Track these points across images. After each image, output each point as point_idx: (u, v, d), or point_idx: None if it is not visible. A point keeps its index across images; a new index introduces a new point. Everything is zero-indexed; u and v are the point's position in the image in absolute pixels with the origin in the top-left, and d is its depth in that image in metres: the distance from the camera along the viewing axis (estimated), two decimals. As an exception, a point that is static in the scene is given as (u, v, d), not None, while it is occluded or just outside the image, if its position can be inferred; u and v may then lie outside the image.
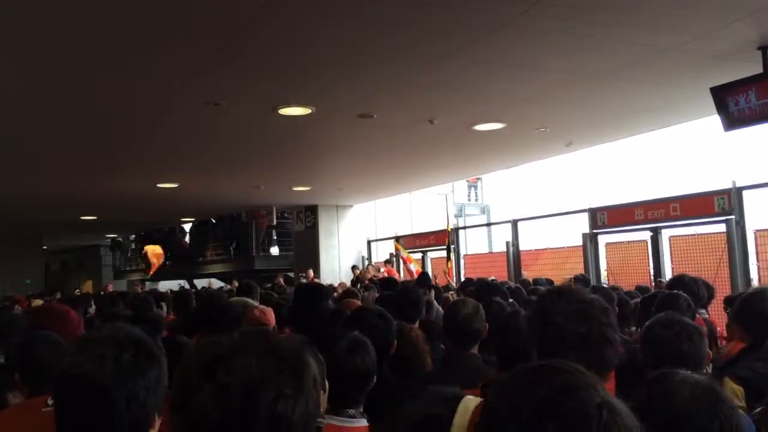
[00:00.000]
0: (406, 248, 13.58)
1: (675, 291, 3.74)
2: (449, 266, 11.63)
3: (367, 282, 9.98)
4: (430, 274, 11.63)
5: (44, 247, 23.03)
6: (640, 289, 5.60)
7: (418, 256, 13.77)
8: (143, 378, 1.39)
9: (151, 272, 21.82)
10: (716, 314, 5.62)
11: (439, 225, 13.99)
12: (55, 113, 6.61)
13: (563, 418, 0.83)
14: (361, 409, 2.17)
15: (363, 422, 2.13)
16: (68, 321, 3.04)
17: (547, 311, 1.78)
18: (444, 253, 12.27)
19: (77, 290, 19.40)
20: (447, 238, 11.98)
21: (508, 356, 2.49)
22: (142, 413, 1.38)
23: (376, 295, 6.39)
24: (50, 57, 4.94)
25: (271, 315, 4.07)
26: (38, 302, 9.73)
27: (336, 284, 11.39)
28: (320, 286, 4.81)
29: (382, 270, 12.84)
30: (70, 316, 3.10)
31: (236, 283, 10.36)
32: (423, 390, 1.44)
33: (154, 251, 21.68)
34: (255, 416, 0.98)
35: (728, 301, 4.78)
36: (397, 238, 14.48)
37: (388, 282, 7.49)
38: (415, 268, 12.59)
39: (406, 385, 2.73)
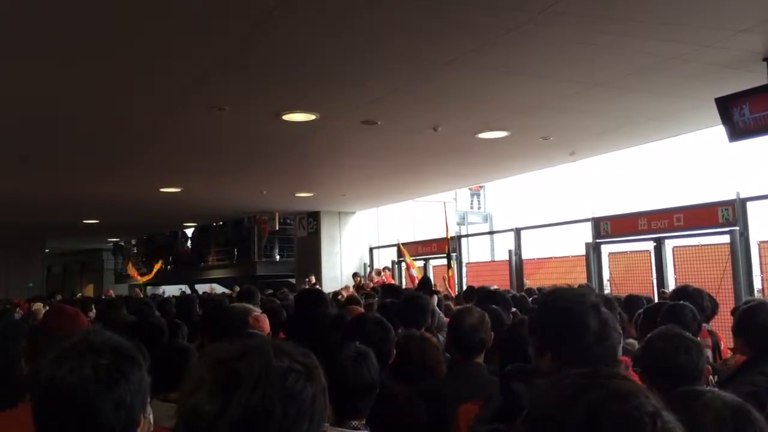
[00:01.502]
0: (408, 255, 13.55)
1: (681, 302, 3.71)
2: (450, 274, 11.59)
3: (368, 290, 9.94)
4: (432, 280, 11.58)
5: (46, 251, 23.03)
6: (632, 299, 5.48)
7: (420, 263, 13.74)
8: (127, 383, 1.38)
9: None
10: (718, 327, 5.57)
11: (441, 232, 13.97)
12: (58, 117, 6.61)
13: (615, 423, 0.80)
14: (365, 421, 2.14)
15: None
16: (78, 322, 3.05)
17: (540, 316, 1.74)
18: (445, 261, 12.25)
19: (79, 294, 19.41)
20: (447, 246, 11.95)
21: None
22: (129, 416, 1.38)
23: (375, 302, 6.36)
24: (53, 60, 4.94)
25: (265, 322, 4.03)
26: (38, 305, 9.69)
27: (339, 288, 11.36)
28: (319, 291, 4.79)
29: (376, 278, 12.80)
30: (80, 317, 3.12)
31: (237, 288, 10.34)
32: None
33: None
34: (264, 396, 0.99)
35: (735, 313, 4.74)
36: (400, 245, 14.45)
37: (391, 289, 7.45)
38: (416, 274, 12.55)
39: (409, 393, 2.71)
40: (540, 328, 1.80)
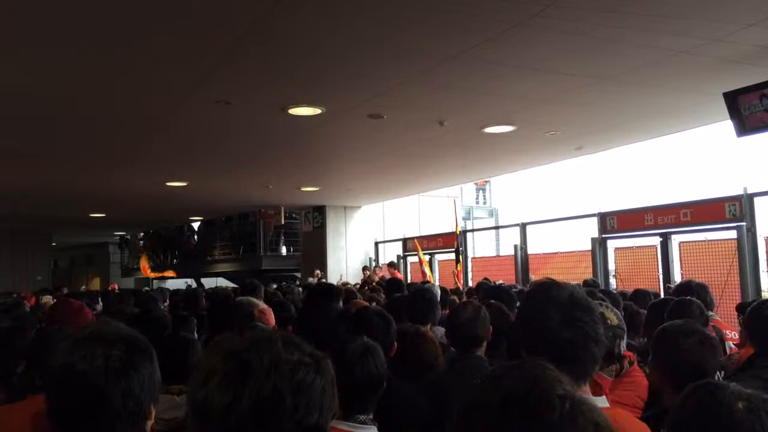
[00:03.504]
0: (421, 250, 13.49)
1: (687, 297, 3.70)
2: (459, 269, 11.58)
3: (373, 284, 9.96)
4: (437, 279, 11.57)
5: (53, 244, 23.14)
6: (640, 294, 5.48)
7: (426, 258, 13.73)
8: (136, 374, 1.40)
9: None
10: (724, 321, 5.56)
11: (446, 227, 13.96)
12: (65, 111, 6.63)
13: (526, 408, 0.87)
14: (372, 416, 2.14)
15: (374, 430, 2.11)
16: (83, 315, 3.10)
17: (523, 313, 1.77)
18: (452, 256, 12.22)
19: (83, 287, 19.51)
20: (456, 241, 11.92)
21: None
22: (137, 407, 1.40)
23: (382, 297, 6.36)
24: (58, 56, 4.96)
25: (270, 315, 4.03)
26: (47, 298, 9.74)
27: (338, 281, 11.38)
28: (332, 286, 4.78)
29: (392, 270, 12.78)
30: (85, 310, 3.17)
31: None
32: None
33: None
34: (275, 388, 1.00)
35: (741, 309, 4.74)
36: (406, 240, 14.44)
37: (394, 284, 7.45)
38: (427, 270, 12.53)
39: (412, 387, 2.71)
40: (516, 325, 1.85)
